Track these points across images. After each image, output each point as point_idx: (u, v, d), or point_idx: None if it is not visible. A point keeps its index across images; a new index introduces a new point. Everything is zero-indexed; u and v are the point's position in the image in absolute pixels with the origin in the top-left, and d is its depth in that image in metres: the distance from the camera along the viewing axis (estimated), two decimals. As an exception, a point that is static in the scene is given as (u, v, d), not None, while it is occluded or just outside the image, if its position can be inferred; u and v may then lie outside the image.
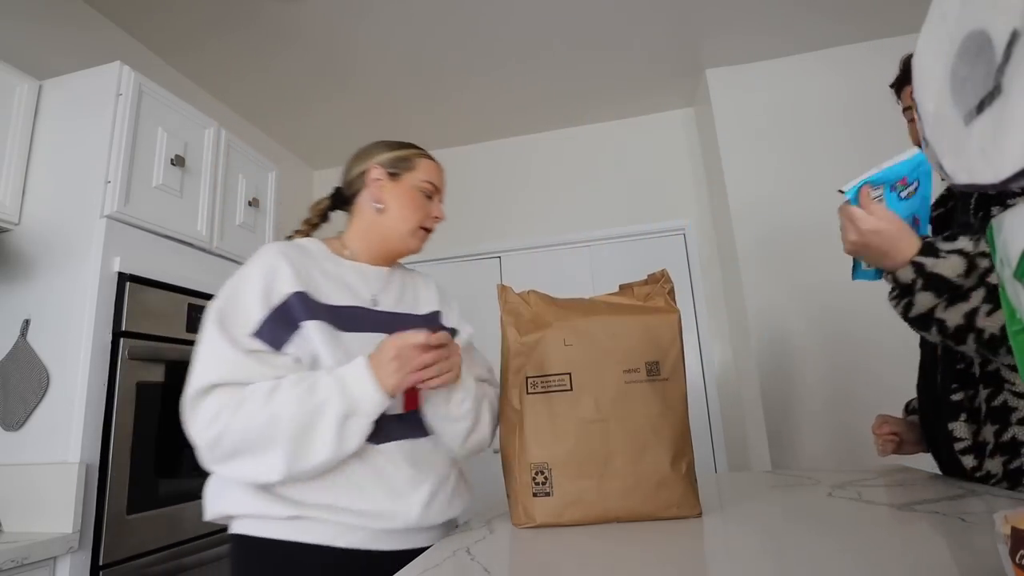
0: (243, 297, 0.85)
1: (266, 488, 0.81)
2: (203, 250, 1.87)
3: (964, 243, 0.78)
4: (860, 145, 2.57)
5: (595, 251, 3.18)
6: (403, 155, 1.01)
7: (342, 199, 1.05)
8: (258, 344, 0.83)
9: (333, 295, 0.90)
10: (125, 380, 1.50)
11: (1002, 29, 0.34)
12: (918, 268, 0.81)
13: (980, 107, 0.36)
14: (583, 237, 3.18)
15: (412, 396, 0.92)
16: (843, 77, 2.66)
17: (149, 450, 1.54)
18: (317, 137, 3.28)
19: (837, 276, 2.47)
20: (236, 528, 0.85)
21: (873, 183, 0.87)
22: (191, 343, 1.70)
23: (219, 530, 1.73)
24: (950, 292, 0.78)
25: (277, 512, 0.81)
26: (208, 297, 1.80)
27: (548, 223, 3.25)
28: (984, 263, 0.77)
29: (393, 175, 0.99)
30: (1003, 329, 0.72)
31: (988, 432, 0.89)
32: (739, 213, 2.64)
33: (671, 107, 3.19)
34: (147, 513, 1.51)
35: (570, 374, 0.86)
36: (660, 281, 0.93)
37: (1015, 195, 0.83)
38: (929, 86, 0.44)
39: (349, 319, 0.90)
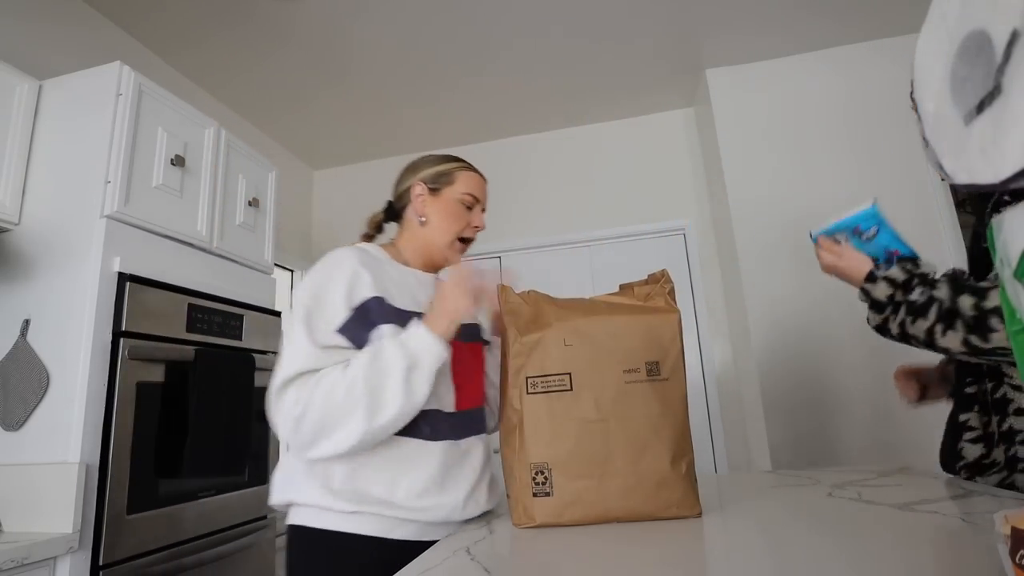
0: (329, 297, 0.92)
1: (329, 484, 0.88)
2: (203, 250, 1.87)
3: (895, 271, 0.98)
4: (860, 145, 2.57)
5: (595, 251, 3.18)
6: (444, 169, 1.08)
7: (393, 212, 1.12)
8: (341, 340, 0.90)
9: (400, 299, 0.97)
10: (125, 380, 1.50)
11: (1002, 29, 0.34)
12: (863, 291, 1.03)
13: (980, 107, 0.36)
14: (583, 237, 3.18)
15: (463, 396, 0.99)
16: (843, 77, 2.66)
17: (149, 450, 1.54)
18: (317, 137, 3.28)
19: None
20: (294, 519, 0.92)
21: (828, 233, 1.10)
22: (191, 343, 1.71)
23: (219, 530, 1.74)
24: (889, 308, 0.97)
25: (340, 507, 0.87)
26: (208, 297, 1.81)
27: (548, 223, 3.25)
28: (915, 282, 0.94)
29: (434, 190, 1.06)
30: (927, 333, 0.87)
31: (994, 422, 0.97)
32: (739, 213, 2.64)
33: (671, 107, 3.19)
34: (147, 513, 1.51)
35: (570, 374, 0.86)
36: (660, 281, 0.93)
37: (1009, 201, 0.85)
38: (929, 86, 0.44)
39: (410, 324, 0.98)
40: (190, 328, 1.72)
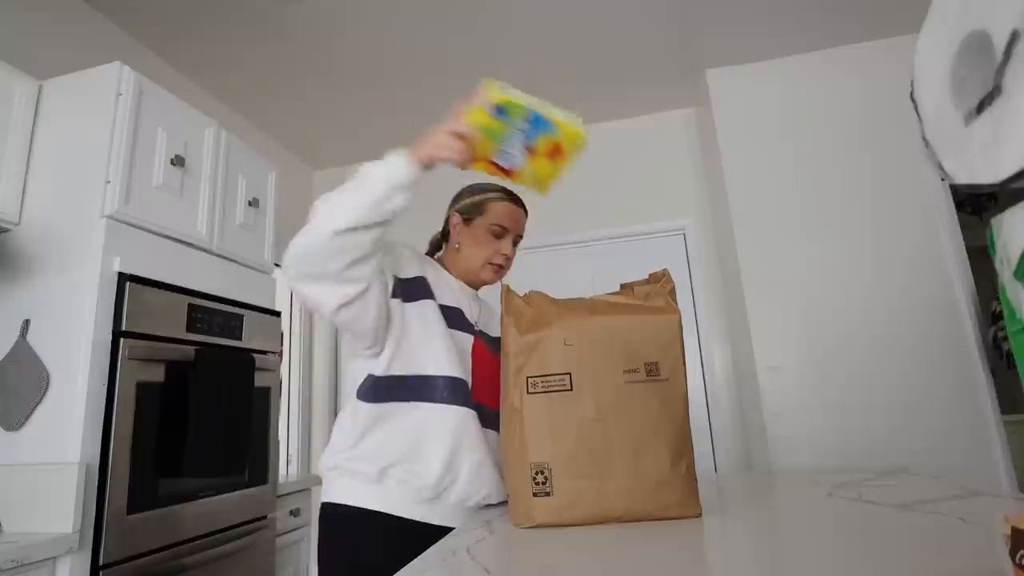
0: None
1: (359, 444, 0.99)
2: (203, 250, 1.87)
3: None
4: (862, 145, 2.57)
5: (595, 251, 3.17)
6: (477, 201, 1.18)
7: (445, 232, 1.24)
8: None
9: (443, 297, 1.08)
10: (125, 380, 1.49)
11: (1002, 29, 0.34)
12: None
13: (980, 107, 0.36)
14: (583, 237, 3.18)
15: (480, 391, 1.05)
16: (843, 77, 2.66)
17: (149, 450, 1.54)
18: (317, 137, 3.28)
19: (836, 275, 2.48)
20: (325, 496, 1.02)
21: None
22: (191, 343, 1.71)
23: (219, 530, 1.74)
24: None
25: (365, 468, 0.97)
26: (208, 297, 1.81)
27: (548, 223, 3.24)
28: None
29: (467, 220, 1.17)
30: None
31: None
32: (739, 213, 2.64)
33: (671, 107, 3.19)
34: (147, 513, 1.51)
35: (570, 374, 0.86)
36: (661, 281, 0.93)
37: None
38: (929, 86, 0.45)
39: (451, 316, 1.07)
40: (190, 328, 1.72)
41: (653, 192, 3.14)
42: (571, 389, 0.86)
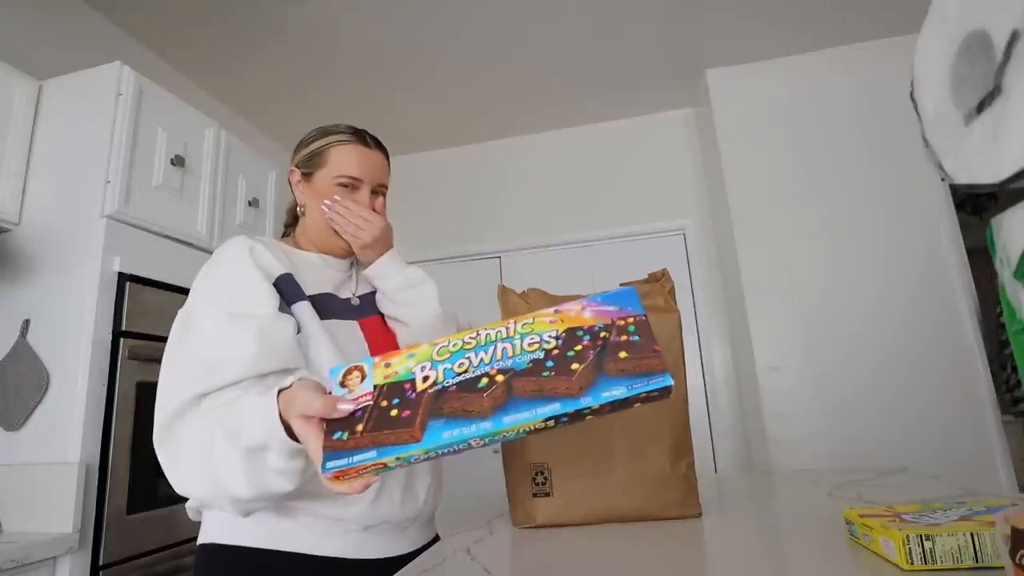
0: (244, 279, 0.78)
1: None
2: (203, 250, 1.87)
3: None
4: (861, 144, 2.57)
5: (595, 251, 3.18)
6: (315, 149, 0.91)
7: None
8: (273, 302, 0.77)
9: (309, 286, 0.85)
10: (125, 380, 1.50)
11: (1002, 29, 0.34)
12: None
13: (980, 107, 0.36)
14: (583, 237, 3.18)
15: None
16: (843, 76, 2.66)
17: (149, 450, 1.53)
18: (317, 137, 3.28)
19: (836, 276, 2.48)
20: (204, 535, 0.82)
21: None
22: (191, 343, 1.70)
23: (219, 530, 1.74)
24: None
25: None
26: (208, 297, 1.80)
27: (548, 223, 3.25)
28: None
29: (307, 175, 0.91)
30: None
31: None
32: (739, 213, 2.64)
33: (671, 107, 3.19)
34: (147, 513, 1.51)
35: (570, 374, 0.86)
36: (660, 280, 0.93)
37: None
38: (929, 86, 0.44)
39: (322, 305, 0.84)
40: (190, 328, 1.72)
41: (653, 192, 3.14)
42: (571, 389, 0.85)
